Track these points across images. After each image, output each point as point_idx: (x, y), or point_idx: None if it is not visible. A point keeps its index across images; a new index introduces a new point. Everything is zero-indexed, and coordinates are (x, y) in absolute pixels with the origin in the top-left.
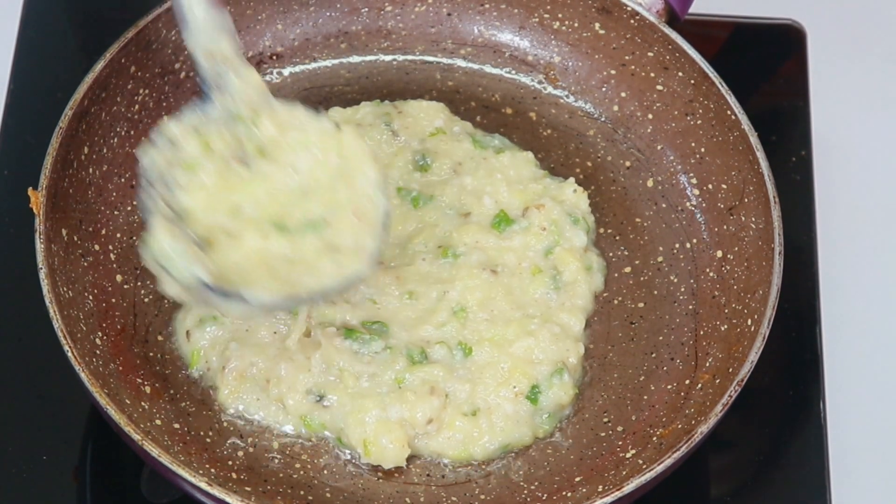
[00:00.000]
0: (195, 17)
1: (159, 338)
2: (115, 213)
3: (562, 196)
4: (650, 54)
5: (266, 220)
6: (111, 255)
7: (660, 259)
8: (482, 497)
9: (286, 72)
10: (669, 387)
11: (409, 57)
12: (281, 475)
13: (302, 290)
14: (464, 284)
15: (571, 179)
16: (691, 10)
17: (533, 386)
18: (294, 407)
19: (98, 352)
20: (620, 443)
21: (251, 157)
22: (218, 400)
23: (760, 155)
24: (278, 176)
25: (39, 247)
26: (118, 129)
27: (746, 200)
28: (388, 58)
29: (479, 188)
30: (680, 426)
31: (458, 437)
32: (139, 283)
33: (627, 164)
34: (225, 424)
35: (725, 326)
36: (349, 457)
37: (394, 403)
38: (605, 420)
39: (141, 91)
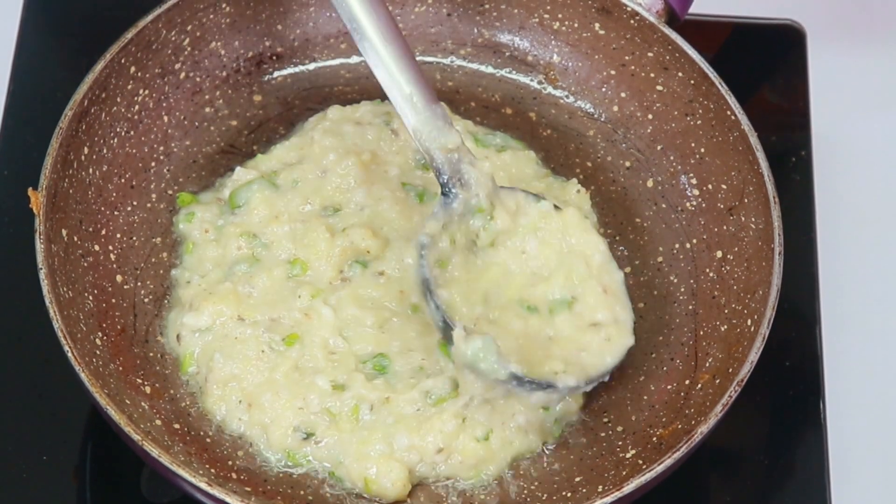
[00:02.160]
0: (418, 114)
1: (159, 338)
2: (115, 213)
3: (565, 196)
4: (650, 55)
5: (516, 304)
6: (111, 256)
7: (660, 259)
8: (482, 497)
9: (286, 72)
10: (669, 387)
11: None
12: (281, 475)
13: (593, 370)
14: None
15: (574, 180)
16: (691, 10)
17: None
18: (277, 441)
19: (98, 352)
20: (620, 443)
21: (484, 247)
22: (204, 406)
23: (760, 155)
24: (512, 262)
25: (39, 247)
26: (118, 130)
27: (746, 201)
28: None
29: None
30: (680, 426)
31: (471, 461)
32: (139, 284)
33: (627, 164)
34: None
35: (725, 327)
36: None
37: (401, 434)
38: (605, 420)
39: (141, 91)
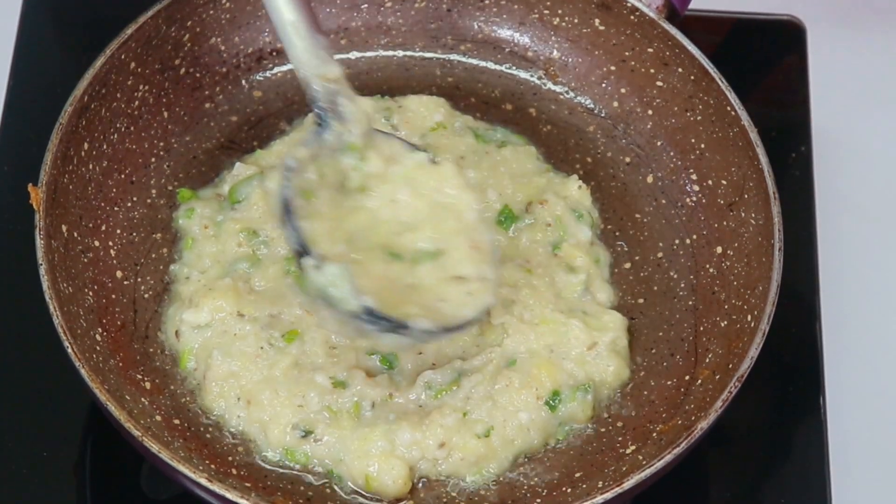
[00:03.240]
0: (300, 41)
1: (159, 334)
2: (115, 209)
3: (565, 192)
4: (650, 50)
5: (380, 249)
6: (111, 252)
7: (660, 255)
8: (482, 493)
9: (286, 68)
10: (669, 383)
11: (409, 53)
12: (281, 472)
13: (451, 320)
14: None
15: (575, 176)
16: (691, 5)
17: (554, 391)
18: (276, 439)
19: (98, 348)
20: (620, 439)
21: (354, 189)
22: (203, 403)
23: (760, 151)
24: (381, 208)
25: (39, 243)
26: (118, 126)
27: (746, 196)
28: (388, 54)
29: (483, 182)
30: (680, 422)
31: (472, 458)
32: (139, 279)
33: (627, 159)
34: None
35: (725, 322)
36: None
37: (402, 430)
38: (605, 416)
39: (141, 87)
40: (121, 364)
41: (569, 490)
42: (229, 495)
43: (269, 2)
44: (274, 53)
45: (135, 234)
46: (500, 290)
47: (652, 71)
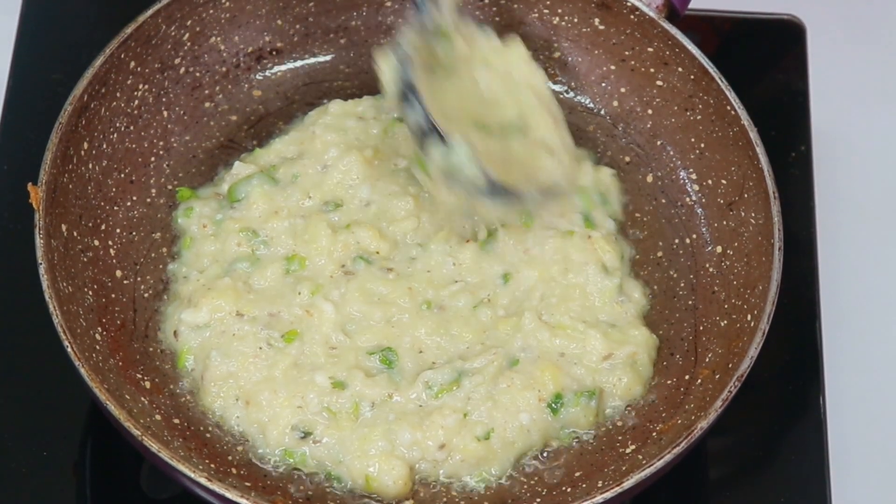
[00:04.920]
0: None
1: (159, 333)
2: (115, 208)
3: (599, 174)
4: (650, 50)
5: (473, 126)
6: (111, 251)
7: (659, 254)
8: (482, 493)
9: (286, 67)
10: (669, 382)
11: None
12: (280, 471)
13: (548, 185)
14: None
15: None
16: (691, 5)
17: (557, 394)
18: (275, 439)
19: (98, 347)
20: (620, 438)
21: (442, 71)
22: (201, 403)
23: (760, 150)
24: (466, 89)
25: (39, 242)
26: (118, 125)
27: (746, 196)
28: None
29: None
30: (680, 421)
31: (472, 461)
32: (139, 279)
33: (627, 159)
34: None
35: (725, 322)
36: None
37: (402, 430)
38: (605, 416)
39: (140, 86)
40: (120, 363)
41: (569, 490)
42: (229, 495)
43: None
44: (274, 53)
45: (134, 233)
46: (535, 292)
47: (652, 70)
